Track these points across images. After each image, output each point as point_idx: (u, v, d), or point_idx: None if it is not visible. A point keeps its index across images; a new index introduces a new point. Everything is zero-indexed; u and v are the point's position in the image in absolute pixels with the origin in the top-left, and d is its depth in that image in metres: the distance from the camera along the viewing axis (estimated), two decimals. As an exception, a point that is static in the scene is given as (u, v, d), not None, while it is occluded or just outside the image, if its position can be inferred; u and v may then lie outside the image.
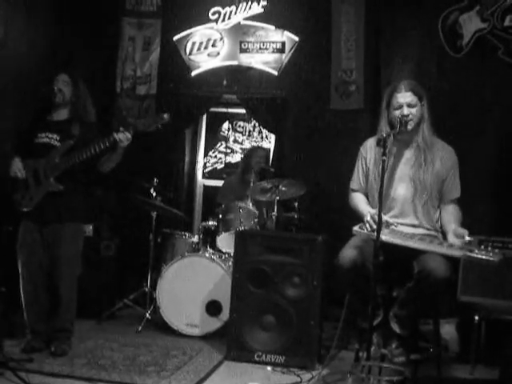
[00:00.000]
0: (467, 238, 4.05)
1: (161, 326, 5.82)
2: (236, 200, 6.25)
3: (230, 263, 5.67)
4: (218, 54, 7.51)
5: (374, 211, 4.17)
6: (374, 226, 4.02)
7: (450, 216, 4.41)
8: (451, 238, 4.18)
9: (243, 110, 7.77)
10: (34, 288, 4.93)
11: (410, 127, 4.36)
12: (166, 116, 4.90)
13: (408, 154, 4.48)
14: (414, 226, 4.37)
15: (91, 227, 6.44)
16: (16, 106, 6.34)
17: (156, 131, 6.94)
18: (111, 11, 7.70)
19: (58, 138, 4.94)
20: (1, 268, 4.95)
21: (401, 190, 4.43)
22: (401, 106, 4.36)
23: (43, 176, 4.87)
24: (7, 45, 6.33)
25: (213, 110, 7.93)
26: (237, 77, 7.50)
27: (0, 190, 5.31)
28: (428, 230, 4.37)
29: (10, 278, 4.99)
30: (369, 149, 4.62)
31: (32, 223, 4.92)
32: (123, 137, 4.76)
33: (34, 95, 5.44)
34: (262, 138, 8.17)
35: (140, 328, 5.74)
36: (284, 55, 7.32)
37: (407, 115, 4.33)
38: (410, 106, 4.36)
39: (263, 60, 7.39)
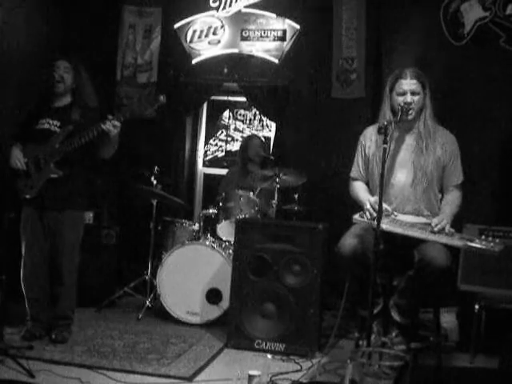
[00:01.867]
0: (447, 229, 4.07)
1: (161, 314, 5.84)
2: (237, 189, 6.26)
3: (231, 251, 5.68)
4: (219, 41, 7.48)
5: (374, 199, 4.17)
6: (374, 214, 4.02)
7: (445, 203, 4.44)
8: (433, 219, 4.19)
9: (244, 98, 7.75)
10: (35, 275, 4.95)
11: (410, 117, 4.36)
12: (162, 98, 4.89)
13: (409, 140, 4.48)
14: (413, 213, 4.37)
15: (91, 215, 6.45)
16: (15, 93, 6.33)
17: (156, 119, 6.99)
18: (111, -1, 7.69)
19: (58, 124, 4.94)
20: (1, 256, 4.96)
21: (401, 175, 4.43)
22: (405, 93, 4.36)
23: (43, 162, 4.88)
24: (6, 32, 6.31)
25: (213, 98, 7.90)
26: (237, 65, 7.47)
27: (1, 176, 5.32)
28: (427, 217, 4.36)
29: (11, 265, 5.00)
30: (368, 137, 4.62)
31: (33, 209, 4.94)
32: (109, 125, 4.73)
33: (34, 82, 5.43)
34: (262, 126, 8.15)
35: (140, 316, 5.75)
36: (285, 43, 7.28)
37: (410, 103, 4.33)
38: (413, 93, 4.36)
39: (264, 48, 7.36)
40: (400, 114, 4.24)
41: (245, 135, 7.98)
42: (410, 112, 4.35)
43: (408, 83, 4.36)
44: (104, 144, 4.92)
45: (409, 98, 4.35)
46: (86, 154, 4.97)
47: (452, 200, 4.44)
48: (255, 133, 8.01)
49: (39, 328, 4.93)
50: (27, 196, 4.92)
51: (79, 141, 4.79)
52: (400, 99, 4.36)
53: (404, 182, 4.42)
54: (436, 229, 4.06)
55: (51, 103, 5.06)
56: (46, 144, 4.89)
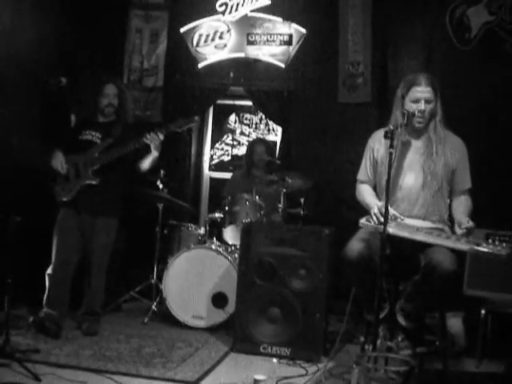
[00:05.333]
0: (470, 224, 4.03)
1: (167, 318, 5.83)
2: (242, 192, 6.26)
3: (236, 255, 5.67)
4: (225, 46, 7.50)
5: (382, 204, 4.15)
6: (382, 219, 4.01)
7: (460, 206, 4.39)
8: (456, 229, 4.17)
9: (250, 103, 7.75)
10: (61, 273, 5.28)
11: (420, 125, 4.36)
12: (196, 118, 5.39)
13: (418, 143, 4.46)
14: (420, 216, 4.36)
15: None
16: (23, 99, 6.34)
17: (162, 123, 7.02)
18: (118, 3, 7.70)
19: (99, 136, 5.42)
20: (7, 259, 4.95)
21: (409, 178, 4.41)
22: (418, 101, 4.32)
23: (83, 169, 5.30)
24: (14, 36, 6.33)
25: (219, 102, 7.91)
26: (244, 69, 7.48)
27: (7, 181, 5.35)
28: (435, 222, 4.35)
29: (17, 269, 5.00)
30: (377, 140, 4.60)
31: (71, 210, 5.33)
32: (152, 138, 5.23)
33: (42, 88, 5.59)
34: (268, 130, 8.15)
35: (146, 320, 5.75)
36: (291, 47, 7.29)
37: (423, 111, 4.31)
38: (427, 101, 4.32)
39: (270, 52, 7.37)
40: (407, 118, 4.23)
41: (251, 139, 7.98)
42: (419, 120, 4.33)
43: (423, 91, 4.32)
44: (146, 158, 5.41)
45: (423, 105, 4.30)
46: (124, 165, 5.39)
47: (465, 204, 4.40)
48: (261, 136, 8.02)
49: (51, 322, 5.07)
50: (64, 199, 5.31)
51: (118, 152, 5.23)
52: (414, 106, 4.32)
53: (413, 184, 4.40)
54: (463, 227, 4.03)
55: (96, 118, 5.53)
56: (86, 153, 5.33)
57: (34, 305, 5.41)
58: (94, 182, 5.29)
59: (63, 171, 5.29)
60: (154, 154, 5.37)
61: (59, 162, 5.30)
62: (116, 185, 5.47)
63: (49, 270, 5.29)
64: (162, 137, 5.27)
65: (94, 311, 5.43)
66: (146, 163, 5.46)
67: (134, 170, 5.50)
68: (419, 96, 4.33)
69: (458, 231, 4.10)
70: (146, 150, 5.35)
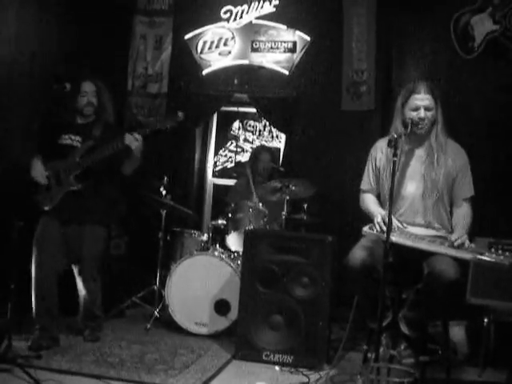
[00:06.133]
0: (457, 242, 4.04)
1: (169, 325, 5.83)
2: (245, 199, 6.27)
3: (239, 262, 5.67)
4: (230, 53, 7.51)
5: (385, 213, 4.16)
6: (385, 228, 4.01)
7: (458, 217, 4.41)
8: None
9: (254, 110, 7.75)
10: (46, 282, 5.03)
11: (422, 131, 4.36)
12: (181, 115, 5.06)
13: (420, 152, 4.47)
14: (423, 225, 4.36)
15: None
16: (27, 104, 6.35)
17: (166, 130, 7.03)
18: (123, 9, 7.71)
19: (79, 140, 5.15)
20: (10, 265, 4.96)
21: (411, 187, 4.42)
22: (418, 108, 4.34)
23: (64, 175, 5.06)
24: (19, 42, 6.35)
25: (223, 108, 7.92)
26: (248, 76, 7.49)
27: (10, 185, 5.35)
28: (438, 230, 4.35)
29: (19, 275, 5.01)
30: (379, 149, 4.61)
31: (52, 220, 5.08)
32: (130, 139, 4.93)
33: (46, 93, 5.51)
34: (272, 137, 8.16)
35: (148, 326, 5.74)
36: (295, 55, 7.31)
37: (423, 118, 4.32)
38: (427, 109, 4.34)
39: (274, 59, 7.38)
40: (410, 126, 4.25)
41: (254, 146, 7.98)
42: (421, 127, 4.34)
43: (422, 98, 4.34)
44: (128, 159, 5.10)
45: (422, 113, 4.32)
46: (106, 169, 5.11)
47: (465, 214, 4.41)
48: (265, 143, 8.03)
49: (47, 338, 4.93)
50: (45, 208, 5.08)
51: (99, 155, 4.97)
52: (413, 114, 4.34)
53: (414, 193, 4.41)
54: (456, 244, 4.03)
55: (74, 120, 5.27)
56: (67, 158, 5.07)
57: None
58: (76, 189, 5.06)
59: (44, 181, 5.09)
60: (135, 155, 5.07)
61: (38, 172, 5.09)
62: (102, 189, 5.24)
63: (33, 284, 5.03)
64: (140, 137, 4.97)
65: (95, 315, 5.30)
66: (127, 166, 5.20)
67: (119, 173, 5.25)
68: (419, 104, 4.34)
69: (452, 238, 4.12)
70: (127, 152, 5.04)
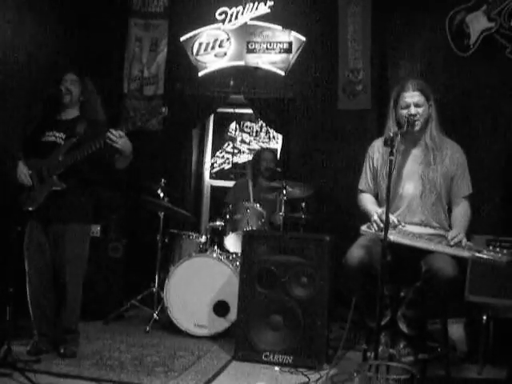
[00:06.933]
0: (454, 241, 4.05)
1: (168, 327, 5.83)
2: (243, 201, 6.27)
3: (238, 263, 5.68)
4: (225, 54, 7.52)
5: (381, 211, 4.16)
6: (382, 226, 4.02)
7: (456, 215, 4.42)
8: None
9: (250, 111, 7.76)
10: (40, 288, 4.94)
11: (417, 127, 4.36)
12: (163, 110, 4.89)
13: (416, 152, 4.47)
14: (421, 224, 4.36)
15: (99, 228, 6.45)
16: (24, 107, 6.34)
17: (163, 131, 7.03)
18: (118, 12, 7.72)
19: (63, 137, 4.94)
20: (9, 268, 4.95)
21: (409, 187, 4.42)
22: (408, 106, 4.35)
23: (47, 174, 4.86)
24: (15, 44, 6.35)
25: (220, 110, 7.93)
26: (244, 77, 7.50)
27: (8, 189, 5.33)
28: (436, 228, 4.35)
29: (18, 278, 5.00)
30: (376, 149, 4.62)
31: (37, 223, 4.93)
32: (112, 137, 4.69)
33: (42, 94, 5.46)
34: (269, 138, 8.16)
35: (148, 328, 5.74)
36: (291, 55, 7.31)
37: (414, 115, 4.32)
38: (417, 105, 4.35)
39: (270, 60, 7.39)
40: (406, 125, 4.25)
41: (251, 147, 7.99)
42: (417, 123, 4.34)
43: (411, 95, 4.35)
44: (120, 155, 4.89)
45: (413, 110, 4.33)
46: (91, 166, 4.95)
47: (463, 212, 4.41)
48: (264, 145, 8.04)
49: (46, 343, 4.92)
50: (29, 208, 4.89)
51: (82, 153, 4.77)
52: (404, 112, 4.35)
53: (412, 193, 4.41)
54: (452, 242, 4.04)
55: (58, 116, 5.08)
56: (50, 156, 4.89)
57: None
58: (59, 188, 4.84)
59: (28, 182, 4.87)
60: (124, 152, 4.82)
61: (22, 173, 4.89)
62: (86, 188, 5.02)
63: (27, 291, 4.94)
64: (123, 133, 4.70)
65: (71, 329, 4.98)
66: (118, 162, 4.95)
67: (109, 170, 5.03)
68: (408, 101, 4.36)
69: (449, 236, 4.12)
70: (116, 149, 4.77)
